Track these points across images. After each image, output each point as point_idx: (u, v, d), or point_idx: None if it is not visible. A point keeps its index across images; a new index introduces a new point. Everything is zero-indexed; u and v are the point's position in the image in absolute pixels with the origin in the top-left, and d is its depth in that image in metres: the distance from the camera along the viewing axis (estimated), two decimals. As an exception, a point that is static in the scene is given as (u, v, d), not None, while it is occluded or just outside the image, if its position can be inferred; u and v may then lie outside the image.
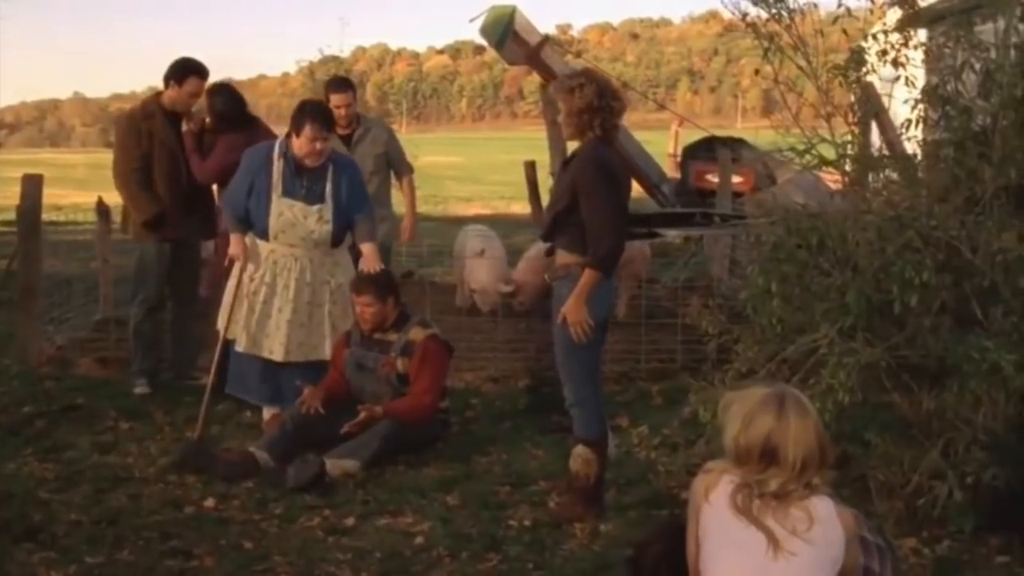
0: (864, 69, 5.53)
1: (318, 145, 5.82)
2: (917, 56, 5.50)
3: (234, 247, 6.07)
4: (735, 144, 14.73)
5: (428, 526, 4.75)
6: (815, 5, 5.53)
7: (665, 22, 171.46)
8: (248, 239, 6.04)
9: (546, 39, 13.61)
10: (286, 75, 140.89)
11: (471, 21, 14.13)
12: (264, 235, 6.00)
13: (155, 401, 6.61)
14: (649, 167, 13.11)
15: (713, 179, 14.04)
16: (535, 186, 12.13)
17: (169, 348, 7.16)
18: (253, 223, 6.01)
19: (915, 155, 5.52)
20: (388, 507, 4.99)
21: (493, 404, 6.81)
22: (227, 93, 6.97)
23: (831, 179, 11.45)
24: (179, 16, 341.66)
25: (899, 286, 4.44)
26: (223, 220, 6.36)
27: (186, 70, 6.70)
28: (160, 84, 6.89)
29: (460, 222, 13.98)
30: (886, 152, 6.05)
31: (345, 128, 7.31)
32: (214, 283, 7.20)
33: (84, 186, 23.54)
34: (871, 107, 6.48)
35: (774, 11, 5.32)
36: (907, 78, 5.45)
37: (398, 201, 7.98)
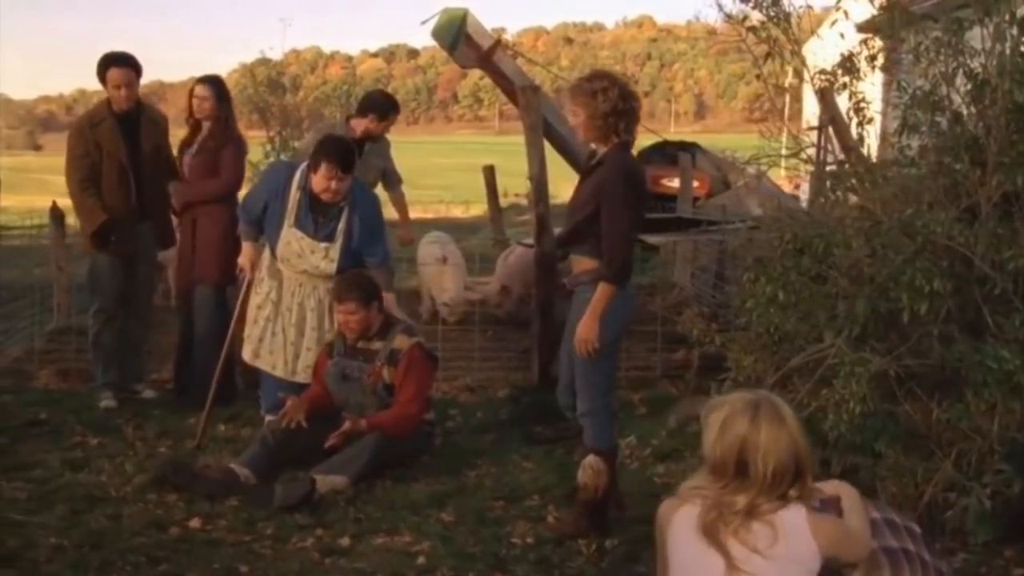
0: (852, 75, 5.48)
1: (333, 184, 5.65)
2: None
3: (243, 257, 5.97)
4: (690, 148, 14.74)
5: (428, 545, 4.56)
6: (810, 7, 5.48)
7: (598, 27, 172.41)
8: (265, 251, 5.93)
9: (498, 42, 13.48)
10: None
11: (423, 23, 13.92)
12: (274, 254, 5.89)
13: (123, 415, 6.33)
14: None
15: (669, 183, 14.04)
16: (494, 190, 12.04)
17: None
18: (266, 234, 5.89)
19: (902, 162, 5.44)
20: (382, 525, 4.79)
21: (474, 415, 6.64)
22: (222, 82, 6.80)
23: (785, 184, 11.43)
24: (110, 15, 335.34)
25: (908, 295, 4.36)
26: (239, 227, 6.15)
27: (104, 64, 6.43)
28: (87, 86, 6.69)
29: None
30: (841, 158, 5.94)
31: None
32: (180, 292, 6.96)
33: (12, 190, 22.91)
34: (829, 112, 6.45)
35: (772, 13, 5.24)
36: (899, 82, 5.40)
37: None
